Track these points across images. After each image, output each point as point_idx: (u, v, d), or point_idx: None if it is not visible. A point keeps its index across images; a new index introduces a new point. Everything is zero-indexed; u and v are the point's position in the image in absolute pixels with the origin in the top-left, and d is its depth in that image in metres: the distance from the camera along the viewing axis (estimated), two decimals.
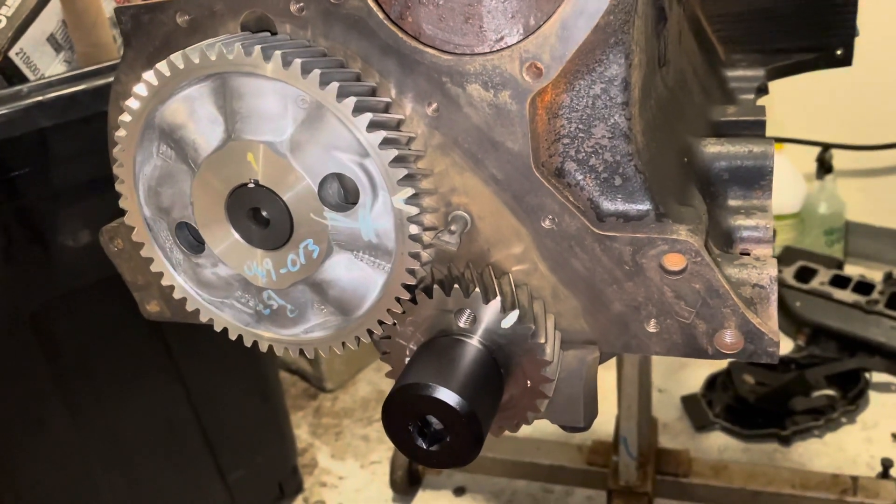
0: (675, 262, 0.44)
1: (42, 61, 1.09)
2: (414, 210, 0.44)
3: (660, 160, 0.49)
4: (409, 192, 0.44)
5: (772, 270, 0.48)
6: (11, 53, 1.05)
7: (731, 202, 0.55)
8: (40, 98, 0.99)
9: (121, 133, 0.48)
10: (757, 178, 0.55)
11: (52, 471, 1.18)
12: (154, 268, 0.52)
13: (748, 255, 0.53)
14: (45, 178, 1.05)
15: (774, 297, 0.47)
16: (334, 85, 0.42)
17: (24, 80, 1.07)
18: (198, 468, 1.36)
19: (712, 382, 1.76)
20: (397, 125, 0.45)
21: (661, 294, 0.45)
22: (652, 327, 0.46)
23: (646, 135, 0.48)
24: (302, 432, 1.78)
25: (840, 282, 1.89)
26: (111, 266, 0.58)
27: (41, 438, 1.16)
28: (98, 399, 1.20)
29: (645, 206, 0.46)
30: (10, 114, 0.97)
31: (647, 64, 0.49)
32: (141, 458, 1.27)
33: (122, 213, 0.52)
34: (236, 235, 0.48)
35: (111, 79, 1.04)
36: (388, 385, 0.50)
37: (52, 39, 1.09)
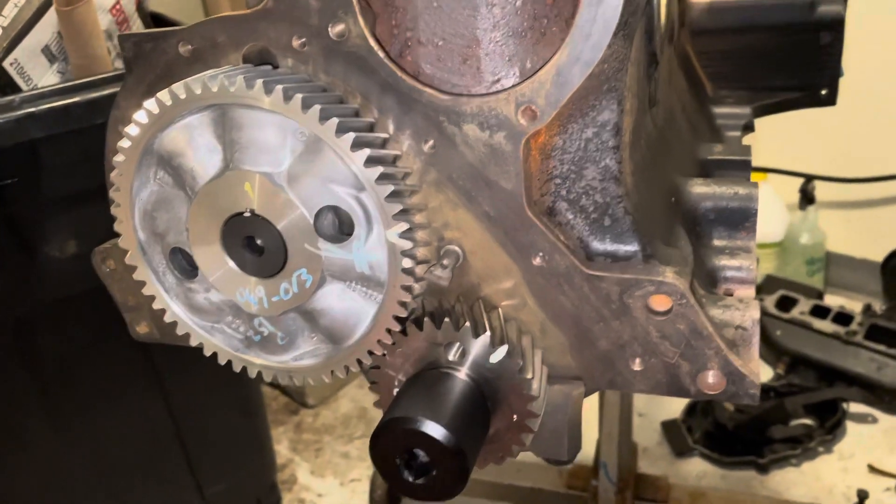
0: (661, 303, 0.45)
1: (36, 72, 1.09)
2: (407, 244, 0.45)
3: (648, 201, 0.50)
4: (404, 226, 0.45)
5: (754, 313, 0.49)
6: (5, 63, 1.05)
7: (717, 242, 0.56)
8: (32, 109, 0.99)
9: (119, 158, 0.48)
10: (742, 220, 0.56)
11: (31, 480, 1.17)
12: (146, 291, 0.52)
13: (731, 295, 0.54)
14: (35, 188, 1.05)
15: (756, 339, 0.48)
16: (334, 120, 0.43)
17: (17, 90, 1.07)
18: (176, 482, 1.36)
19: (692, 408, 1.78)
20: (394, 160, 0.46)
21: (646, 333, 0.46)
22: (637, 366, 0.47)
23: (635, 176, 0.49)
24: (282, 448, 1.78)
25: (820, 312, 1.91)
26: (97, 277, 0.59)
27: (21, 448, 1.15)
28: (80, 410, 1.19)
29: (633, 247, 0.47)
30: (2, 124, 0.97)
31: (639, 107, 0.50)
32: (120, 471, 1.26)
33: (112, 227, 0.52)
34: (230, 263, 0.49)
35: (105, 91, 1.05)
36: (370, 401, 0.51)
37: (46, 50, 1.09)
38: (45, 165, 1.04)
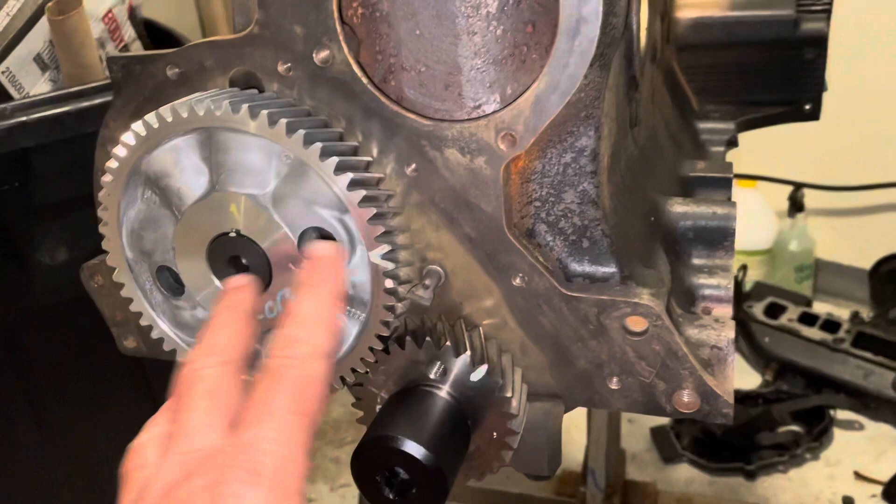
0: (636, 323, 0.46)
1: (27, 80, 1.10)
2: (390, 265, 0.46)
3: (627, 222, 0.51)
4: (386, 248, 0.46)
5: (730, 332, 0.50)
6: None
7: (695, 261, 0.58)
8: (24, 118, 0.99)
9: (107, 178, 0.49)
10: (720, 239, 0.57)
11: (17, 487, 1.17)
12: (133, 307, 0.53)
13: (709, 313, 0.55)
14: (26, 196, 1.05)
15: (732, 359, 0.49)
16: (318, 145, 0.44)
17: (8, 98, 1.07)
18: None
19: None
20: (377, 183, 0.47)
21: (623, 353, 0.47)
22: (614, 384, 0.48)
23: (614, 198, 0.50)
24: None
25: (808, 319, 1.93)
26: None
27: (8, 454, 1.15)
28: (68, 416, 1.19)
29: (610, 269, 0.48)
30: None
31: (618, 130, 0.51)
32: (109, 478, 1.26)
33: (101, 237, 0.52)
34: (216, 282, 0.49)
35: (96, 100, 1.05)
36: None
37: (38, 59, 1.10)
38: (37, 173, 1.04)
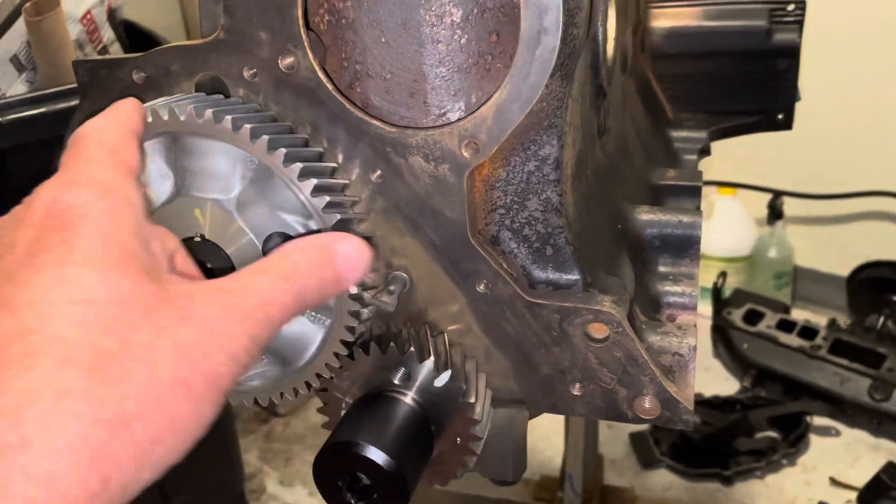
0: (598, 330, 0.47)
1: (4, 81, 1.09)
2: None
3: (592, 230, 0.52)
4: None
5: (691, 339, 0.51)
6: None
7: (661, 268, 0.58)
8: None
9: None
10: (686, 247, 0.58)
11: None
12: None
13: (674, 320, 0.56)
14: (1, 198, 1.05)
15: (693, 366, 0.50)
16: (282, 151, 0.44)
17: None
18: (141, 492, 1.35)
19: None
20: (342, 189, 0.47)
21: (585, 360, 0.48)
22: (576, 391, 0.49)
23: (578, 207, 0.50)
24: (251, 457, 1.77)
25: (786, 326, 1.94)
26: None
27: None
28: None
29: (573, 276, 0.48)
30: None
31: (584, 139, 0.52)
32: None
33: None
34: None
35: (72, 102, 1.05)
36: None
37: (15, 60, 1.09)
38: (13, 175, 1.04)
